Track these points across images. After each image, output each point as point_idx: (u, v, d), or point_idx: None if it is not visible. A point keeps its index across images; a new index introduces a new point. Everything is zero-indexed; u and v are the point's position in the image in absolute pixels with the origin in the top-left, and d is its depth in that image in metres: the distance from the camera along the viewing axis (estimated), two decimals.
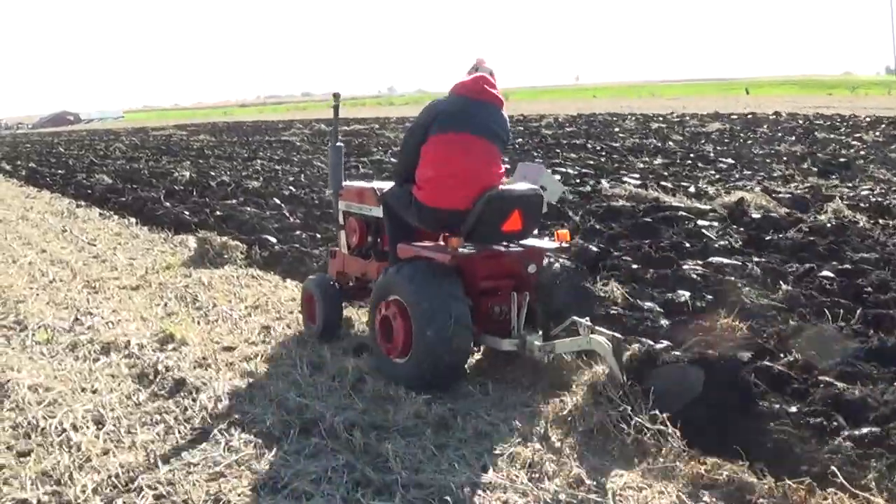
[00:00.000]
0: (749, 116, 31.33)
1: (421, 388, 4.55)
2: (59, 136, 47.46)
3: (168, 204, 13.31)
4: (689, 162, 16.31)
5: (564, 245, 5.00)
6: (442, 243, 4.96)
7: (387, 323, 4.78)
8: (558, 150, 19.63)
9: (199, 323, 6.47)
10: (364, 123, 39.00)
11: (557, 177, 12.48)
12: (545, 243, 5.07)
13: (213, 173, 18.02)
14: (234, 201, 13.07)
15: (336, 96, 6.20)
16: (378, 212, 5.52)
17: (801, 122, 26.97)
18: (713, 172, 14.53)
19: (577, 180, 13.74)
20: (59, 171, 21.50)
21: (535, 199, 4.91)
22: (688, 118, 31.56)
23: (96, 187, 16.64)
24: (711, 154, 17.57)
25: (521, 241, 4.99)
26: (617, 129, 26.60)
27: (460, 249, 4.71)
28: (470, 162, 4.78)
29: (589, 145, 20.53)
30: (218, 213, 11.71)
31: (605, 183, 12.81)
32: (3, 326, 6.68)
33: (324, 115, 52.56)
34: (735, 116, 31.65)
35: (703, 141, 21.16)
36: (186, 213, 11.96)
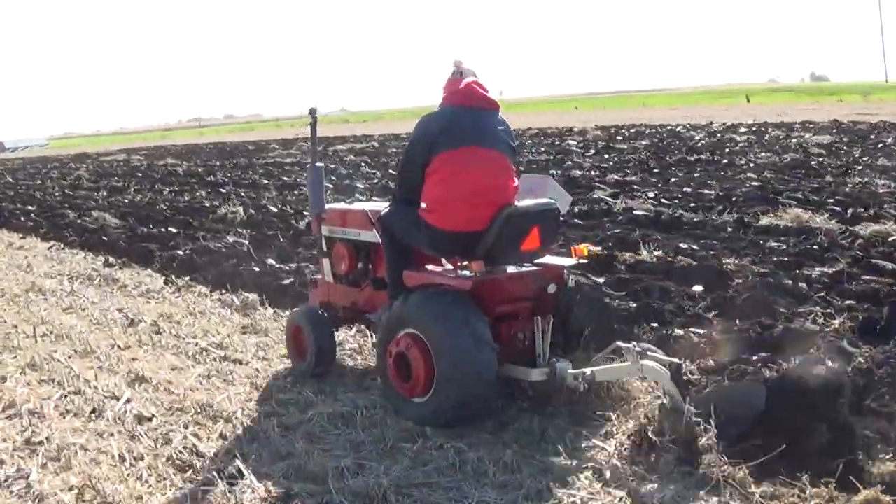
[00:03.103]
0: (809, 125, 27.86)
1: (444, 426, 4.08)
2: None
3: (271, 261, 8.42)
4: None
5: (581, 261, 4.60)
6: (450, 267, 4.51)
7: (402, 360, 4.19)
8: (698, 167, 15.37)
9: None
10: (353, 142, 33.95)
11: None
12: (563, 260, 4.59)
13: (270, 207, 13.02)
14: None
15: (312, 112, 5.54)
16: (369, 236, 4.99)
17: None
18: None
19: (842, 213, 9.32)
20: (30, 208, 16.25)
21: (552, 215, 4.46)
22: (763, 129, 27.73)
23: (111, 233, 11.59)
24: None
25: (537, 260, 4.52)
26: (701, 144, 22.28)
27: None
28: (486, 178, 4.30)
29: (739, 161, 16.10)
30: None
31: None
32: None
33: (269, 137, 50.27)
34: (797, 125, 28.18)
35: (861, 157, 16.97)
36: None
